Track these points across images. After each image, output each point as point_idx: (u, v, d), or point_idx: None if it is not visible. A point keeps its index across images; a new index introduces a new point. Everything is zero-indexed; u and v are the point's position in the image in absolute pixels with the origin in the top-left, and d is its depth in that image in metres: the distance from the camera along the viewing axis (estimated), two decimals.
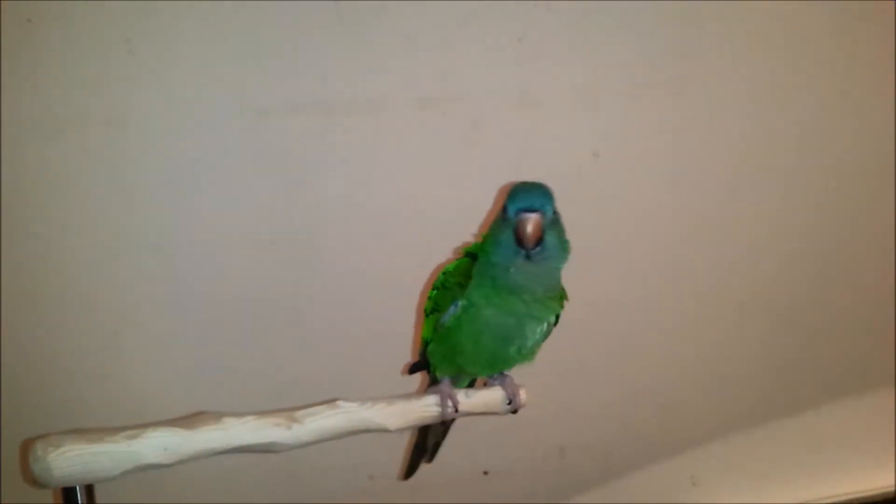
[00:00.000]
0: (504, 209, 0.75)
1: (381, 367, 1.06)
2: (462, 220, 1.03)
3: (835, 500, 1.33)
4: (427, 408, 0.82)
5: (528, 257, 0.73)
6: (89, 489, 0.71)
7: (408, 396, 0.83)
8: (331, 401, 0.79)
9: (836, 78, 1.27)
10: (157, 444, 0.70)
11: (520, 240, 0.73)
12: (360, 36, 1.03)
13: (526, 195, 0.74)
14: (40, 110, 0.93)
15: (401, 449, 1.10)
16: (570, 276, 1.18)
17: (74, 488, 0.70)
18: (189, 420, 0.73)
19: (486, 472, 1.21)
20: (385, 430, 0.80)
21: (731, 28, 1.20)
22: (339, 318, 1.09)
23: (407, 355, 1.09)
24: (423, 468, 1.17)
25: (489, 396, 0.86)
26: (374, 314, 1.10)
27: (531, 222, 0.72)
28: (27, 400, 0.95)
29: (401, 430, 0.81)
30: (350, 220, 1.08)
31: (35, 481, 0.66)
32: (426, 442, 0.98)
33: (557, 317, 0.84)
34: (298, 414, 0.76)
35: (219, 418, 0.74)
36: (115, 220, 0.99)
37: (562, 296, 0.82)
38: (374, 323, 1.10)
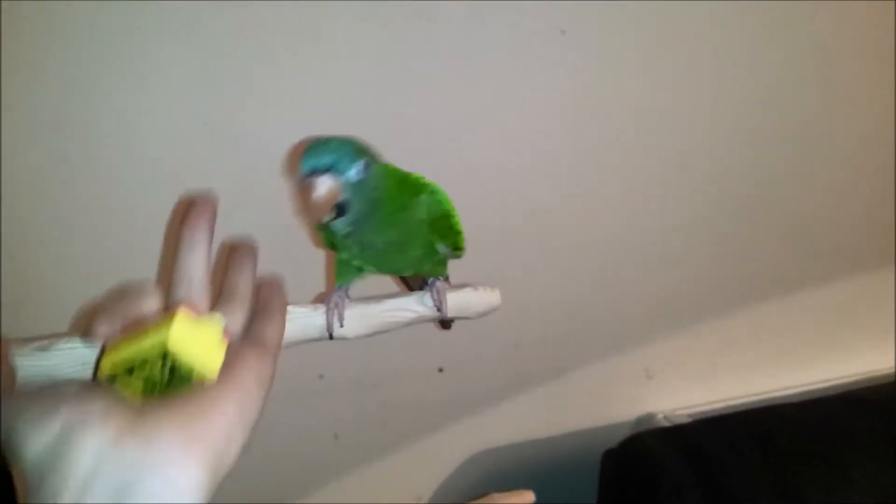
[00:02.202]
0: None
1: None
2: None
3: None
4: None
5: (327, 227, 0.59)
6: None
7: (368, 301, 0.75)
8: None
9: None
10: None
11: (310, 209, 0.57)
12: None
13: (316, 153, 0.57)
14: None
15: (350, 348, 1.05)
16: (524, 167, 1.08)
17: None
18: None
19: (441, 370, 1.19)
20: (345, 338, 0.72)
21: None
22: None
23: None
24: (377, 366, 1.15)
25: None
26: None
27: (319, 188, 0.56)
28: None
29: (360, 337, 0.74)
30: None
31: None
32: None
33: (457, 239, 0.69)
34: None
35: None
36: None
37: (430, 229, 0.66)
38: None
